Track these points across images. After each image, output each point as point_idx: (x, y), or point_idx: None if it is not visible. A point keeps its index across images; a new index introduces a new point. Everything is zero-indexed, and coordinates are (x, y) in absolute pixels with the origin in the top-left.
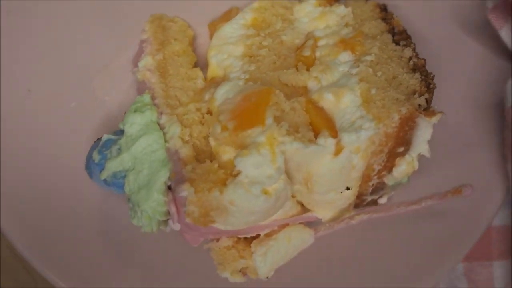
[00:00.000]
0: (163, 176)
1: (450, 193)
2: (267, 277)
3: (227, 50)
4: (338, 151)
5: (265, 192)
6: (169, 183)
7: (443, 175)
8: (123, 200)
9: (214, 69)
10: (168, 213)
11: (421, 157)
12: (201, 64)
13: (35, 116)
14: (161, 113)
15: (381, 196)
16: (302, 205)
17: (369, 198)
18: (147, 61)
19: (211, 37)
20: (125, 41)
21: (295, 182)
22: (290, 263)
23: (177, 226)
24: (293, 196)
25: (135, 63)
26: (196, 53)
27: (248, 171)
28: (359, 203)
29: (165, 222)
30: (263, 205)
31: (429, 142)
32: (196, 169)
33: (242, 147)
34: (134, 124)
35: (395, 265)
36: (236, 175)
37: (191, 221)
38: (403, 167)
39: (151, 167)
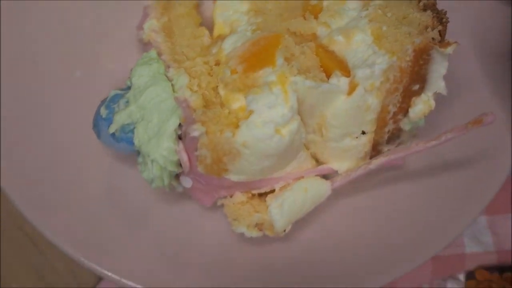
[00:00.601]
0: (173, 124)
1: (471, 124)
2: (284, 231)
3: (233, 6)
4: (351, 89)
5: (278, 132)
6: (179, 132)
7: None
8: (132, 163)
9: (221, 27)
10: (179, 164)
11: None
12: (207, 26)
13: (40, 88)
14: (168, 67)
15: (397, 146)
16: (317, 161)
17: (385, 149)
18: (152, 23)
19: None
20: (130, 8)
21: (309, 132)
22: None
23: (188, 183)
24: (307, 149)
25: (140, 28)
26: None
27: (261, 110)
28: (375, 155)
29: (177, 178)
30: (277, 146)
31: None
32: (206, 113)
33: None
34: (141, 76)
35: (415, 218)
36: (248, 117)
37: (203, 169)
38: (420, 107)
39: (160, 116)
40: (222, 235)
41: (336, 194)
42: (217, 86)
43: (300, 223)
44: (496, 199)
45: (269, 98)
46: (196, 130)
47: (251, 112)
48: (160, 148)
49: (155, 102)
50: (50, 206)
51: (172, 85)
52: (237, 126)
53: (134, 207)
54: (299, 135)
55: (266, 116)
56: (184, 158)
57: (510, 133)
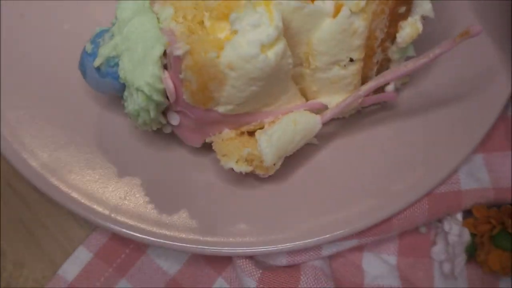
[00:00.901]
0: (158, 50)
1: (458, 37)
2: (274, 165)
3: None
4: (337, 11)
5: (263, 51)
6: (165, 62)
7: (448, 68)
8: (121, 110)
9: None
10: (165, 95)
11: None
12: None
13: (29, 42)
14: (154, 2)
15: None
16: (306, 99)
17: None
18: None
19: None
20: None
21: (296, 64)
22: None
23: (176, 120)
24: (296, 84)
25: None
26: None
27: (245, 30)
28: None
29: (164, 116)
30: (262, 67)
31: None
32: (191, 37)
33: None
34: (126, 9)
35: (409, 154)
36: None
37: (189, 97)
38: (407, 31)
39: (145, 45)
40: (212, 179)
41: (328, 135)
42: (202, 21)
43: (291, 163)
44: (492, 137)
45: (253, 17)
46: (179, 49)
47: (235, 32)
48: (145, 75)
49: (140, 32)
50: (39, 157)
51: (157, 18)
52: (221, 48)
53: (123, 154)
54: (285, 60)
55: (250, 35)
56: (170, 85)
57: (504, 65)
